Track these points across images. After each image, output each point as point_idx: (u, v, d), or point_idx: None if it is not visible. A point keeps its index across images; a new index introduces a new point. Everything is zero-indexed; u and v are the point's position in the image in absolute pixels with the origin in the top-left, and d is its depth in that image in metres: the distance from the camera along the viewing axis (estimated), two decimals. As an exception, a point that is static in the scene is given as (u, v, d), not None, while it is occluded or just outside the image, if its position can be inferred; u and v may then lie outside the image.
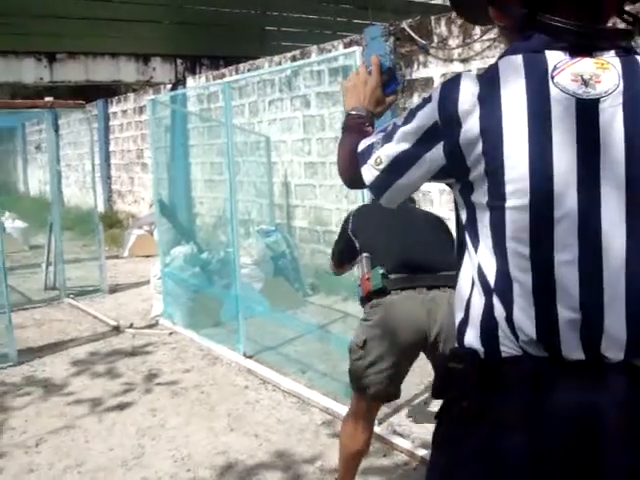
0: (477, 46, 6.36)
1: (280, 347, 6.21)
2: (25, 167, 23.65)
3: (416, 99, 6.91)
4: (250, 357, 5.95)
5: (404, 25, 7.04)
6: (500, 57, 1.51)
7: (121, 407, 5.09)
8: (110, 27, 11.16)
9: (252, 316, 6.50)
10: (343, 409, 4.63)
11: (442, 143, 1.48)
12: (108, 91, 16.19)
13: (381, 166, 1.59)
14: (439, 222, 3.54)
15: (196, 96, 11.23)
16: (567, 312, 1.41)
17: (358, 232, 3.44)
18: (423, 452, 4.03)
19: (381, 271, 3.13)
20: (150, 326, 7.25)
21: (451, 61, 6.63)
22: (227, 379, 5.60)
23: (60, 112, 18.92)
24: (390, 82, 2.04)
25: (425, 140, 1.51)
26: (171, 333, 6.90)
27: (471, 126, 1.42)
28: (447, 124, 1.46)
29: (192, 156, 11.53)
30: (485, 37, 6.24)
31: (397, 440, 4.27)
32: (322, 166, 8.54)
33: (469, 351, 1.51)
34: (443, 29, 6.73)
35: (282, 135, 9.16)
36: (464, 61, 6.50)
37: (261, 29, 12.48)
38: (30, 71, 10.71)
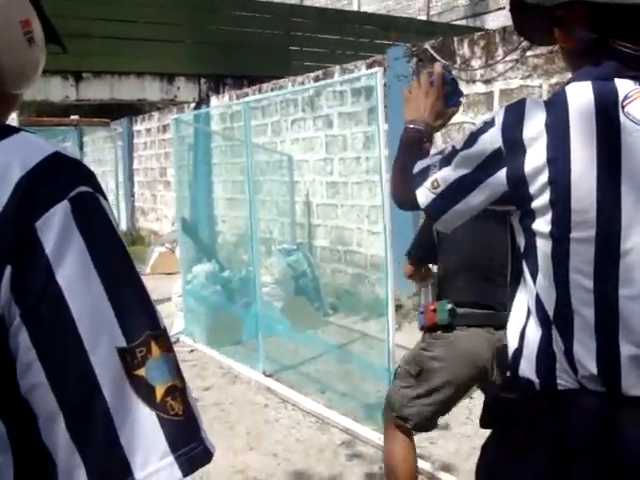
0: (500, 67, 6.38)
1: (300, 366, 6.21)
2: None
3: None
4: (270, 376, 5.95)
5: (427, 46, 7.07)
6: (567, 83, 1.48)
7: (140, 424, 5.10)
8: (135, 47, 11.36)
9: (272, 335, 6.52)
10: (362, 429, 4.62)
11: (505, 169, 1.44)
12: (131, 109, 16.36)
13: (438, 190, 1.55)
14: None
15: (219, 115, 11.32)
16: (629, 347, 1.37)
17: (440, 237, 3.13)
18: (444, 475, 4.01)
19: (449, 307, 2.96)
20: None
21: (474, 82, 6.64)
22: (247, 397, 5.60)
23: (85, 130, 19.19)
24: (452, 94, 1.96)
25: (487, 166, 1.47)
26: (192, 350, 6.93)
27: (537, 154, 1.39)
28: (511, 150, 1.42)
29: (214, 174, 11.61)
30: (508, 58, 6.26)
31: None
32: (344, 186, 8.56)
33: (523, 382, 1.50)
34: (466, 50, 6.75)
35: (304, 154, 9.21)
36: (487, 82, 6.51)
37: (285, 49, 12.63)
38: (57, 89, 10.84)
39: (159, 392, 0.89)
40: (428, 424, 3.08)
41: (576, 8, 1.43)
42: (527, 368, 1.48)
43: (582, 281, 1.39)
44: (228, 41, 12.16)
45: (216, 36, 12.11)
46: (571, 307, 1.41)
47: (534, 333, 1.47)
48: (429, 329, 3.06)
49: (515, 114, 1.43)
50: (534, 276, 1.45)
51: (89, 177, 0.92)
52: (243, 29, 12.35)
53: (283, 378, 5.88)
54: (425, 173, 1.58)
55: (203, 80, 11.95)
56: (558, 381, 1.44)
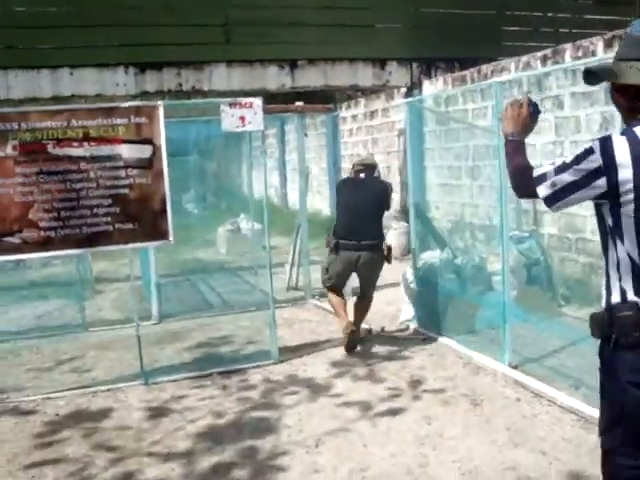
0: None
1: (544, 359, 5.88)
2: (250, 171, 24.60)
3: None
4: (515, 367, 5.67)
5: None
6: (632, 126, 2.42)
7: (392, 413, 4.99)
8: (349, 33, 11.33)
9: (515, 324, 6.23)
10: None
11: (605, 178, 2.37)
12: (331, 97, 16.49)
13: (555, 187, 2.49)
14: (381, 197, 6.80)
15: (433, 99, 11.06)
16: None
17: (337, 196, 7.06)
18: None
19: (334, 241, 6.69)
20: (401, 330, 7.17)
21: None
22: (495, 390, 5.36)
23: (286, 118, 19.52)
24: (534, 113, 2.89)
25: (593, 175, 2.39)
26: (425, 339, 6.77)
27: (626, 170, 2.33)
28: (608, 168, 2.36)
29: (427, 160, 11.36)
30: None
31: None
32: (576, 169, 8.05)
33: (632, 302, 2.42)
34: None
35: (530, 138, 8.76)
36: None
37: (497, 29, 12.16)
38: (273, 78, 11.03)
39: None
40: (335, 283, 6.84)
41: (626, 87, 2.47)
42: (630, 293, 2.42)
43: None
44: (439, 23, 11.88)
45: (428, 19, 11.85)
46: None
47: (627, 272, 2.43)
48: (329, 250, 6.77)
49: (608, 146, 2.37)
50: (623, 240, 2.41)
51: None
52: (454, 10, 12.01)
53: (531, 371, 5.58)
54: (543, 177, 2.54)
55: (415, 64, 11.73)
56: None
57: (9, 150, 5.37)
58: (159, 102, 5.72)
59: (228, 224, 13.62)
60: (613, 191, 2.38)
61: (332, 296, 6.87)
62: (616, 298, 2.46)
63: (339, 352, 6.51)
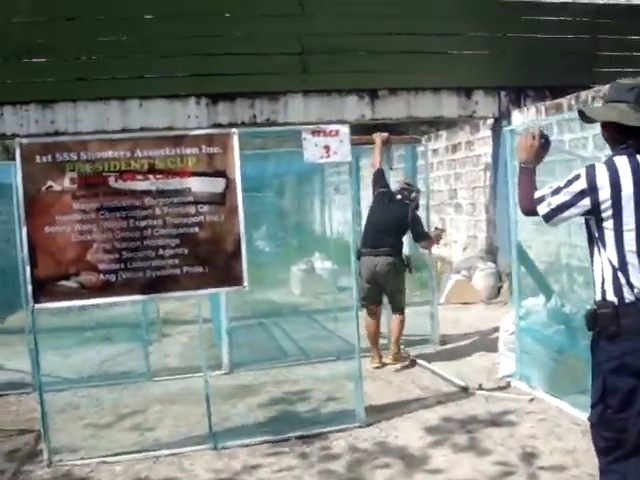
0: None
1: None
2: (323, 209, 24.02)
3: None
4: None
5: None
6: (613, 156, 3.11)
7: (507, 497, 4.16)
8: (432, 60, 10.65)
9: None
10: None
11: (588, 198, 3.02)
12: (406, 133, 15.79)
13: (551, 206, 3.14)
14: (403, 220, 7.40)
15: (523, 130, 10.23)
16: None
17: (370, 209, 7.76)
18: None
19: (357, 247, 7.19)
20: (501, 388, 6.31)
21: None
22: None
23: (361, 152, 18.87)
24: (545, 144, 3.44)
25: (579, 196, 3.04)
26: (532, 399, 5.90)
27: (605, 192, 2.99)
28: (591, 190, 3.01)
29: (515, 195, 10.51)
30: None
31: None
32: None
33: (609, 302, 3.01)
34: None
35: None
36: None
37: (590, 55, 11.30)
38: (353, 109, 10.40)
39: None
40: (368, 302, 7.34)
41: (609, 124, 3.15)
42: (609, 293, 3.01)
43: (631, 248, 2.98)
44: (528, 49, 11.09)
45: (516, 44, 11.07)
46: (625, 260, 2.98)
47: (609, 276, 3.01)
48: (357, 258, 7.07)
49: (592, 173, 3.04)
50: (605, 248, 3.02)
51: None
52: (544, 35, 11.22)
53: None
54: (542, 198, 3.18)
55: (503, 93, 10.95)
56: (625, 298, 2.98)
57: (66, 183, 4.79)
58: (233, 130, 5.08)
59: (302, 263, 12.95)
60: (596, 208, 3.01)
61: (368, 320, 7.33)
62: (599, 297, 3.07)
63: (433, 414, 5.70)
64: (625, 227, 2.97)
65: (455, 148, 13.38)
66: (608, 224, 2.98)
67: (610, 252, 2.98)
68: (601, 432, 3.10)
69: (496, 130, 11.07)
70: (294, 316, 10.47)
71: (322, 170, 23.95)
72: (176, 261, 4.96)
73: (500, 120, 10.88)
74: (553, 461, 4.64)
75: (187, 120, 9.73)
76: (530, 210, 3.26)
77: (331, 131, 5.16)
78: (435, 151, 14.04)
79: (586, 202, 3.00)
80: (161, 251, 4.94)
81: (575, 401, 5.58)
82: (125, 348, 8.37)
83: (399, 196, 7.54)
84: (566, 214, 3.09)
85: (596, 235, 3.04)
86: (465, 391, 6.25)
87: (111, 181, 4.85)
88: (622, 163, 3.02)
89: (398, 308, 7.39)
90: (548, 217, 3.16)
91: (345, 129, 5.20)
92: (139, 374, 7.35)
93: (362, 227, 7.78)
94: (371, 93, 10.45)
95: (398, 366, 7.30)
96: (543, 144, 3.42)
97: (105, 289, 4.89)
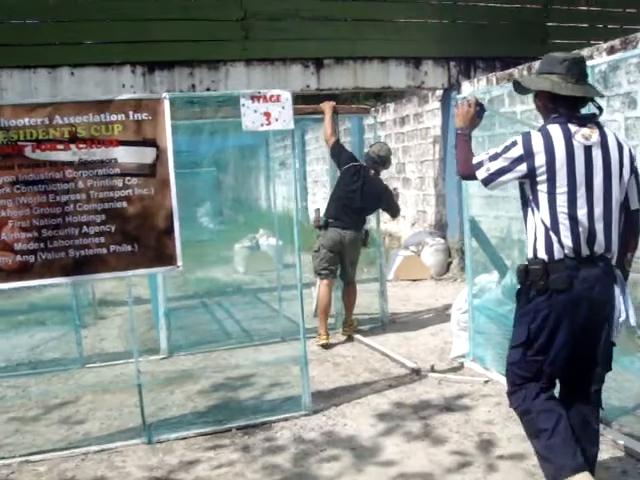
0: None
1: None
2: (268, 184, 23.53)
3: None
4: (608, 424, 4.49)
5: None
6: (546, 124, 3.32)
7: (467, 491, 3.84)
8: (380, 29, 10.24)
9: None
10: None
11: (525, 163, 3.26)
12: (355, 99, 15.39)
13: (490, 171, 3.37)
14: (381, 194, 7.47)
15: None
16: (584, 233, 3.23)
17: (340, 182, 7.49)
18: None
19: (324, 219, 7.29)
20: (454, 370, 6.01)
21: None
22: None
23: (307, 126, 18.36)
24: (480, 111, 3.70)
25: (516, 161, 3.28)
26: (487, 381, 5.61)
27: (540, 157, 3.23)
28: (527, 156, 3.25)
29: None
30: None
31: None
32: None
33: (540, 259, 3.28)
34: None
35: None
36: None
37: (541, 25, 11.02)
38: (297, 78, 9.92)
39: None
40: (328, 272, 7.24)
41: (542, 94, 3.38)
42: (540, 251, 3.28)
43: (563, 209, 3.22)
44: (478, 19, 10.77)
45: (467, 14, 10.73)
46: (557, 221, 3.23)
47: (541, 235, 3.28)
48: (317, 228, 7.34)
49: (527, 139, 3.26)
50: (539, 209, 3.28)
51: None
52: (496, 5, 10.90)
53: (636, 428, 4.41)
54: (481, 164, 3.40)
55: (452, 63, 10.60)
56: (555, 255, 3.25)
57: (-24, 155, 4.28)
58: (164, 94, 4.60)
59: (246, 240, 12.49)
60: (531, 173, 3.25)
61: (323, 291, 7.25)
62: (530, 254, 3.33)
63: (384, 399, 5.36)
64: (558, 190, 3.22)
65: (403, 121, 13.03)
66: (542, 187, 3.25)
67: (543, 213, 3.25)
68: (517, 371, 3.45)
69: (445, 102, 10.76)
70: (238, 295, 10.06)
71: (267, 144, 23.49)
72: (102, 239, 4.49)
73: (449, 91, 10.53)
74: (512, 449, 4.34)
75: (122, 90, 9.14)
76: (469, 175, 3.50)
77: (272, 96, 4.73)
78: (382, 124, 13.68)
79: (523, 167, 3.27)
80: (85, 229, 4.45)
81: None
82: (58, 332, 7.86)
83: (372, 171, 7.42)
84: (504, 178, 3.34)
85: (530, 198, 3.32)
86: (417, 373, 5.93)
87: (27, 151, 4.33)
88: (555, 131, 3.25)
89: (353, 279, 7.48)
90: (487, 181, 3.40)
91: (287, 94, 4.77)
92: (71, 360, 6.88)
93: (310, 202, 7.63)
94: (316, 62, 9.98)
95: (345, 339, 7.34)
96: (478, 111, 3.69)
97: (23, 271, 4.39)
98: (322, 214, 7.44)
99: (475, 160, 3.42)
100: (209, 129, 9.13)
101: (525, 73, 8.97)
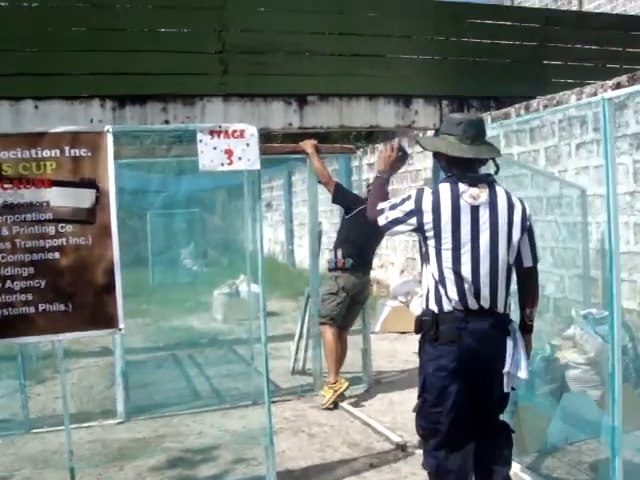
0: None
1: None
2: (254, 225, 22.90)
3: None
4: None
5: None
6: (440, 182, 3.52)
7: None
8: (368, 64, 9.67)
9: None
10: None
11: (415, 218, 3.44)
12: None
13: (388, 219, 3.54)
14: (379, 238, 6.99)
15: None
16: (470, 288, 3.37)
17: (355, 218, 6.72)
18: None
19: (350, 261, 6.77)
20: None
21: None
22: None
23: (295, 168, 17.78)
24: (402, 156, 4.01)
25: (408, 215, 3.46)
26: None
27: (428, 214, 3.40)
28: (417, 211, 3.43)
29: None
30: None
31: None
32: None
33: (430, 311, 3.47)
34: None
35: (598, 187, 6.99)
36: None
37: (539, 64, 10.49)
38: (279, 116, 9.30)
39: None
40: (342, 321, 6.75)
41: (439, 154, 3.58)
42: (431, 303, 3.47)
43: (448, 265, 3.40)
44: (472, 55, 10.22)
45: (460, 51, 10.18)
46: (444, 276, 3.41)
47: (432, 288, 3.47)
48: (338, 270, 6.81)
49: (420, 196, 3.45)
50: (429, 263, 3.48)
51: None
52: (491, 41, 10.37)
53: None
54: (382, 211, 3.57)
55: (445, 102, 10.01)
56: (444, 307, 3.42)
57: None
58: (107, 127, 3.95)
59: (225, 286, 11.77)
60: (421, 228, 3.47)
61: (334, 338, 6.71)
62: (423, 305, 3.56)
63: (364, 482, 4.64)
64: (443, 246, 3.41)
65: (392, 162, 12.46)
66: (431, 242, 3.45)
67: (432, 267, 3.47)
68: (420, 422, 3.62)
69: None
70: (213, 347, 9.34)
71: (252, 185, 22.84)
72: (29, 296, 3.81)
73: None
74: None
75: (90, 125, 8.51)
76: (373, 219, 3.65)
77: (234, 131, 4.09)
78: (371, 166, 13.08)
79: (413, 221, 3.47)
80: (9, 283, 3.78)
81: (530, 463, 4.63)
82: (8, 390, 7.10)
83: None
84: (398, 228, 3.56)
85: (423, 251, 3.55)
86: (402, 449, 5.21)
87: (-59, 191, 3.68)
88: (444, 190, 3.44)
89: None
90: (385, 228, 3.62)
91: (253, 129, 4.14)
92: (17, 424, 6.14)
93: (297, 245, 7.00)
94: (299, 99, 9.36)
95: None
96: (400, 156, 3.97)
97: None
98: (340, 255, 6.82)
99: (380, 206, 3.60)
100: (189, 168, 8.54)
101: (522, 112, 8.40)
